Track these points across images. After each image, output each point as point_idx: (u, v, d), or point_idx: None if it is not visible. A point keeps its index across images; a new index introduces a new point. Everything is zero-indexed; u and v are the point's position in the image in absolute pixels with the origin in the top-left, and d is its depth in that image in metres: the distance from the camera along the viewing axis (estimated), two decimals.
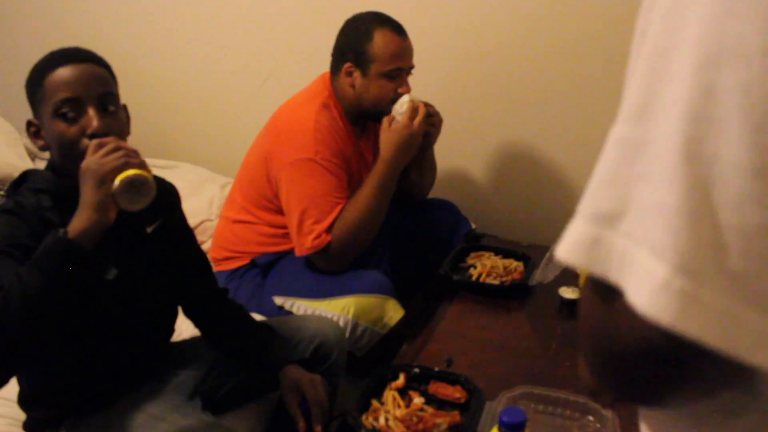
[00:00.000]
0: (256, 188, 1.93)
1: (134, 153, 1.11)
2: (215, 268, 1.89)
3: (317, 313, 1.74)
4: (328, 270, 1.82)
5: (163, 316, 1.40)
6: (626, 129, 0.44)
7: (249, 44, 2.56)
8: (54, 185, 1.19)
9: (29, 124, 1.22)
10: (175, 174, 2.39)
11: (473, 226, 2.16)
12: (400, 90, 1.86)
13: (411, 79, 1.92)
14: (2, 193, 2.33)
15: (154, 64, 2.71)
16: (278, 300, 1.82)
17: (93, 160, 1.08)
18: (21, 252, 1.08)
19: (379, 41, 1.83)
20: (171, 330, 1.44)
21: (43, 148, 1.22)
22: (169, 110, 2.74)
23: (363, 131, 1.99)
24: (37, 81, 1.17)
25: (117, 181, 1.06)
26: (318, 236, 1.78)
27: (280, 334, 1.47)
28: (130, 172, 1.07)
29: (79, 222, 1.05)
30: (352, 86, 1.87)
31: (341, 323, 1.69)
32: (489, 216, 2.38)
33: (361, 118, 1.95)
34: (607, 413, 1.18)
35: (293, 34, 2.48)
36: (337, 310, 1.73)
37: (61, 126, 1.14)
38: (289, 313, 1.79)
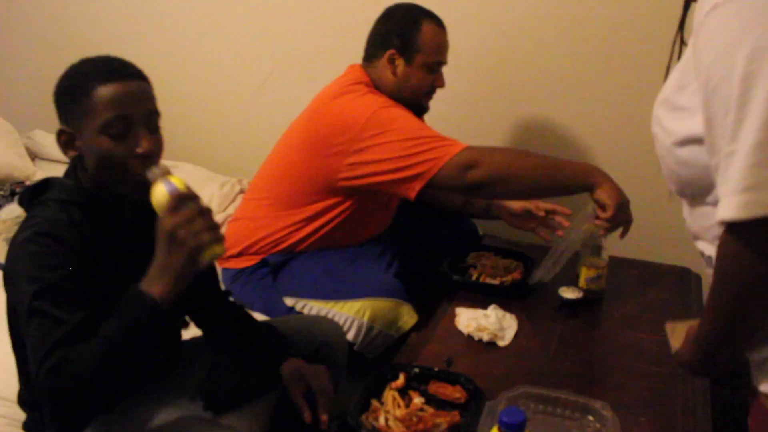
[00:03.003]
0: (299, 184, 1.84)
1: (217, 225, 1.08)
2: (222, 265, 1.88)
3: (330, 314, 1.71)
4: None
5: (174, 320, 1.38)
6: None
7: (249, 44, 2.56)
8: (80, 197, 1.16)
9: (61, 132, 1.17)
10: (175, 174, 2.39)
11: (480, 233, 2.14)
12: (436, 84, 1.87)
13: None
14: (2, 192, 2.33)
15: (153, 64, 2.67)
16: (289, 301, 1.79)
17: (185, 229, 1.03)
18: (73, 282, 1.07)
19: (428, 32, 1.83)
20: (179, 336, 1.43)
21: (73, 158, 1.19)
22: (169, 110, 2.72)
23: None
24: (81, 92, 1.13)
25: (207, 257, 1.06)
26: (454, 143, 1.69)
27: (281, 332, 1.46)
28: (218, 250, 1.07)
29: (164, 286, 1.05)
30: (394, 74, 1.84)
31: (356, 326, 1.68)
32: None
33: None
34: (607, 413, 1.19)
35: (293, 34, 2.48)
36: (352, 313, 1.71)
37: (107, 143, 1.12)
38: (300, 314, 1.76)
